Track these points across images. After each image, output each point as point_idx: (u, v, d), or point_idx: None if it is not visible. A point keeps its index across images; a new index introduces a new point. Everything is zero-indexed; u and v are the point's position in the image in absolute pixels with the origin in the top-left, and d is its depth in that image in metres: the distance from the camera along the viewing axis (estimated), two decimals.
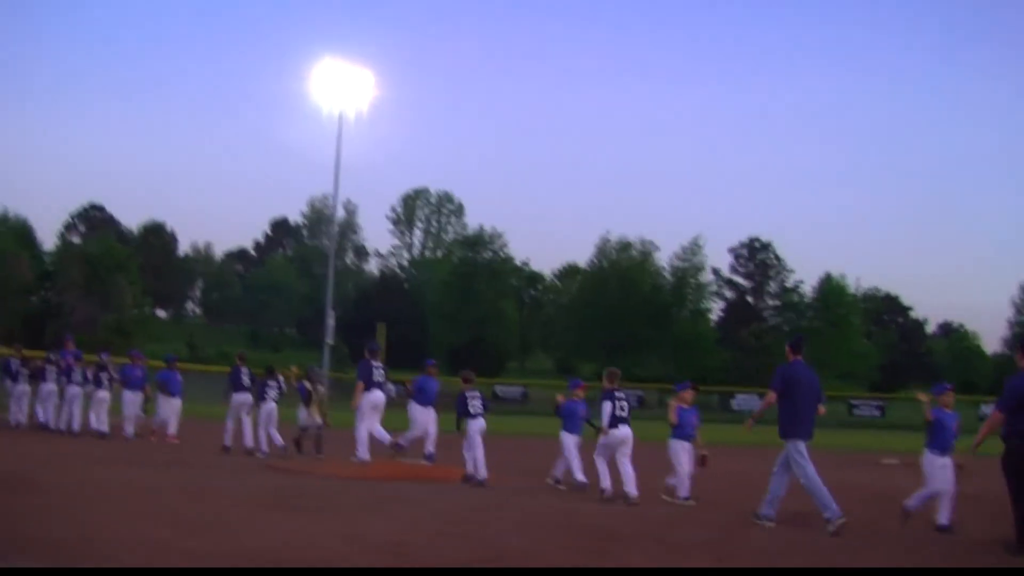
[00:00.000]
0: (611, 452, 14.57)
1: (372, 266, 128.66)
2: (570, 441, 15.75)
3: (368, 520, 11.06)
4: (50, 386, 23.46)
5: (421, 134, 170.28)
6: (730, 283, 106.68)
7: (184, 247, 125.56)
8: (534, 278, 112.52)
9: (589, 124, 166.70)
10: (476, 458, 16.16)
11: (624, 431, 14.49)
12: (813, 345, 76.70)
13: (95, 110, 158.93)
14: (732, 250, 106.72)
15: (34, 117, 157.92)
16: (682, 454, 14.52)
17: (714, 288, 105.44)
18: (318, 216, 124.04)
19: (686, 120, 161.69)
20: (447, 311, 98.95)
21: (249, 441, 20.45)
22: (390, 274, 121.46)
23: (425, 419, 18.39)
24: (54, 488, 12.61)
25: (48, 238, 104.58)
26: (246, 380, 20.93)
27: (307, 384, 19.93)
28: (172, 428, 21.67)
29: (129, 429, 22.07)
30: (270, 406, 20.30)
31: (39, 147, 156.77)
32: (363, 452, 17.70)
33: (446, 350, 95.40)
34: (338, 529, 10.13)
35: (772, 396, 12.45)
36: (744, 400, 64.25)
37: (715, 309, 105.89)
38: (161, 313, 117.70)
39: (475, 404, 16.64)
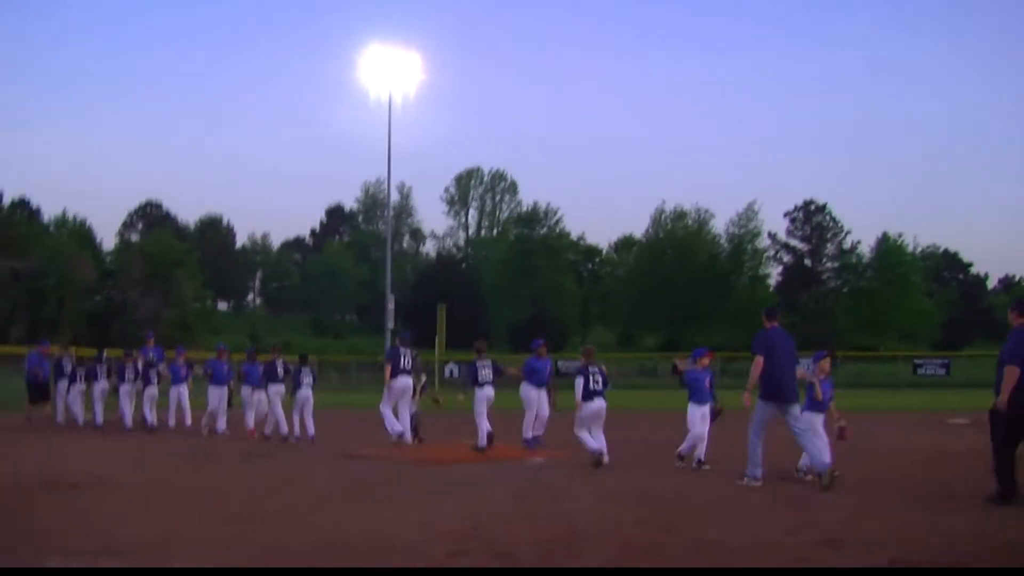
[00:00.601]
0: (589, 424, 15.30)
1: (429, 248, 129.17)
2: (696, 414, 14.97)
3: (442, 505, 11.11)
4: (103, 384, 23.80)
5: (471, 114, 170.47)
6: (787, 247, 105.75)
7: (241, 239, 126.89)
8: (591, 252, 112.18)
9: (640, 94, 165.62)
10: (481, 426, 17.29)
11: (599, 403, 15.34)
12: (873, 306, 75.61)
13: (148, 109, 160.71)
14: (788, 214, 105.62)
15: (88, 118, 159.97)
16: (818, 424, 14.01)
17: (771, 253, 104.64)
18: (373, 201, 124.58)
19: (737, 85, 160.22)
20: (506, 289, 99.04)
21: (283, 428, 20.63)
22: (447, 255, 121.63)
23: (537, 400, 18.24)
24: (130, 487, 12.79)
25: (108, 237, 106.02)
26: (280, 371, 21.20)
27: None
28: (251, 422, 21.46)
29: (222, 424, 22.10)
30: (305, 393, 20.53)
31: (94, 147, 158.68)
32: (393, 426, 17.94)
33: (506, 328, 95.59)
34: (412, 517, 10.14)
35: (759, 360, 13.10)
36: (806, 365, 63.02)
37: (773, 274, 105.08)
38: (222, 305, 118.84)
39: (484, 373, 17.73)
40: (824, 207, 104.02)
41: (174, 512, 10.62)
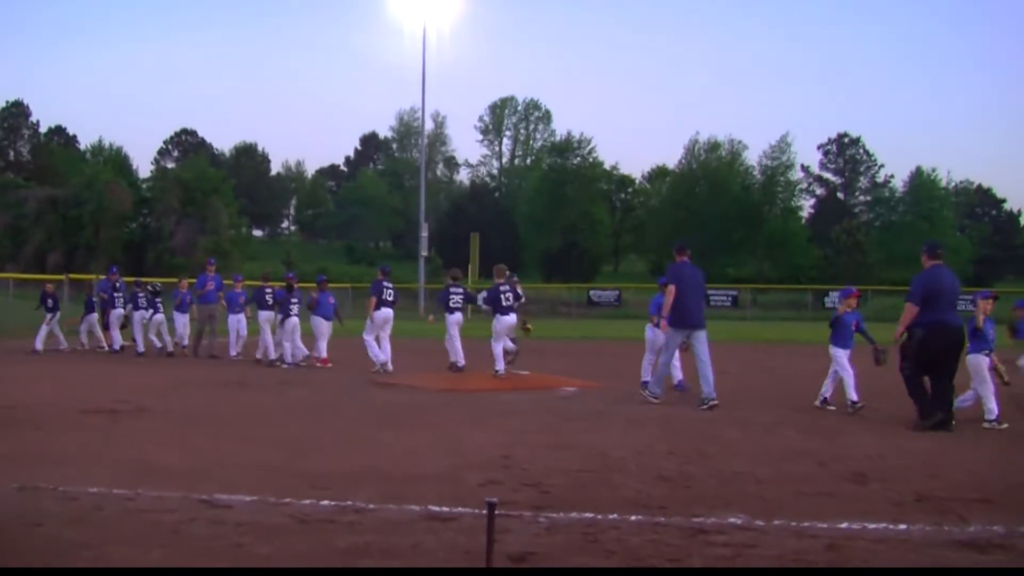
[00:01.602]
0: (504, 336, 17.69)
1: (463, 177, 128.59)
2: (842, 356, 14.10)
3: (474, 434, 11.20)
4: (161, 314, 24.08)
5: (506, 42, 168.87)
6: (820, 180, 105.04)
7: (276, 167, 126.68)
8: (624, 182, 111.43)
9: (674, 24, 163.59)
10: (455, 348, 18.93)
11: (511, 318, 17.81)
12: (905, 240, 74.91)
13: (183, 36, 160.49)
14: (821, 147, 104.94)
15: (124, 47, 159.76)
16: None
17: (804, 186, 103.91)
18: (407, 129, 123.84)
19: (771, 15, 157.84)
20: (539, 218, 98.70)
21: (271, 353, 21.44)
22: (481, 184, 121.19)
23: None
24: (169, 414, 12.94)
25: (144, 165, 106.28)
26: (268, 298, 21.80)
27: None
28: (322, 352, 21.15)
29: (233, 350, 22.54)
30: (293, 320, 21.09)
31: (130, 75, 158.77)
32: (376, 355, 19.37)
33: (539, 256, 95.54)
34: (445, 445, 10.29)
35: (672, 290, 14.53)
36: (835, 298, 61.94)
37: (805, 207, 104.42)
38: (257, 233, 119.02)
39: (455, 299, 19.24)
40: (858, 140, 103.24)
41: (213, 438, 10.79)
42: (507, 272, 18.72)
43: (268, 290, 22.05)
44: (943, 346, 12.01)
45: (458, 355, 19.10)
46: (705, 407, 13.74)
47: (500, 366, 17.93)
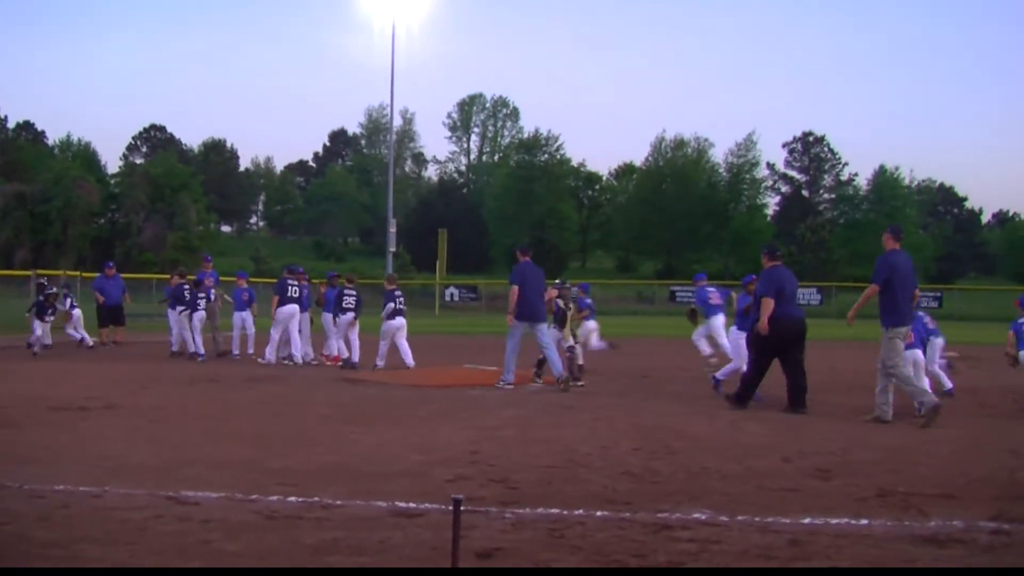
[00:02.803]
0: (391, 336, 19.43)
1: (431, 173, 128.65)
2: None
3: (443, 430, 11.19)
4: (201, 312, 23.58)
5: (475, 40, 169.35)
6: (785, 177, 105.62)
7: (245, 162, 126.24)
8: (591, 179, 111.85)
9: (642, 22, 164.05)
10: (339, 345, 20.60)
11: (400, 321, 19.57)
12: (868, 238, 75.54)
13: (151, 31, 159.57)
14: (786, 144, 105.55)
15: (93, 41, 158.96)
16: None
17: (769, 183, 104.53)
18: (375, 126, 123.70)
19: (738, 14, 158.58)
20: (506, 214, 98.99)
21: (190, 348, 22.27)
22: (449, 180, 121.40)
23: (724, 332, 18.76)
24: (139, 410, 12.85)
25: (112, 161, 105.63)
26: (186, 294, 22.69)
27: (561, 303, 17.66)
28: (334, 348, 21.20)
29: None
30: (200, 314, 22.14)
31: (99, 70, 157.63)
32: (270, 354, 20.78)
33: (507, 252, 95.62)
34: (414, 440, 10.28)
35: (515, 289, 16.32)
36: (804, 294, 61.57)
37: (771, 204, 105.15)
38: (226, 228, 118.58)
39: (348, 301, 20.31)
40: (822, 138, 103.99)
41: (181, 435, 10.70)
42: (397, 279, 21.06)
43: (185, 286, 22.93)
44: (789, 336, 13.32)
45: (339, 351, 20.69)
46: (561, 386, 15.58)
47: (381, 363, 19.35)
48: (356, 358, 20.11)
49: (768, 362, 13.52)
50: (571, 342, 17.39)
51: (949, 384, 15.49)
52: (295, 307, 20.70)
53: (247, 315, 22.43)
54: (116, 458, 9.03)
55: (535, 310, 16.39)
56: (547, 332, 16.44)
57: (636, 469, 8.78)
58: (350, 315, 20.30)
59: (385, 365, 19.32)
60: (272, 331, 20.91)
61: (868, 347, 16.63)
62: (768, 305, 13.27)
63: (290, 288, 20.77)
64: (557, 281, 18.39)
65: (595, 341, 20.07)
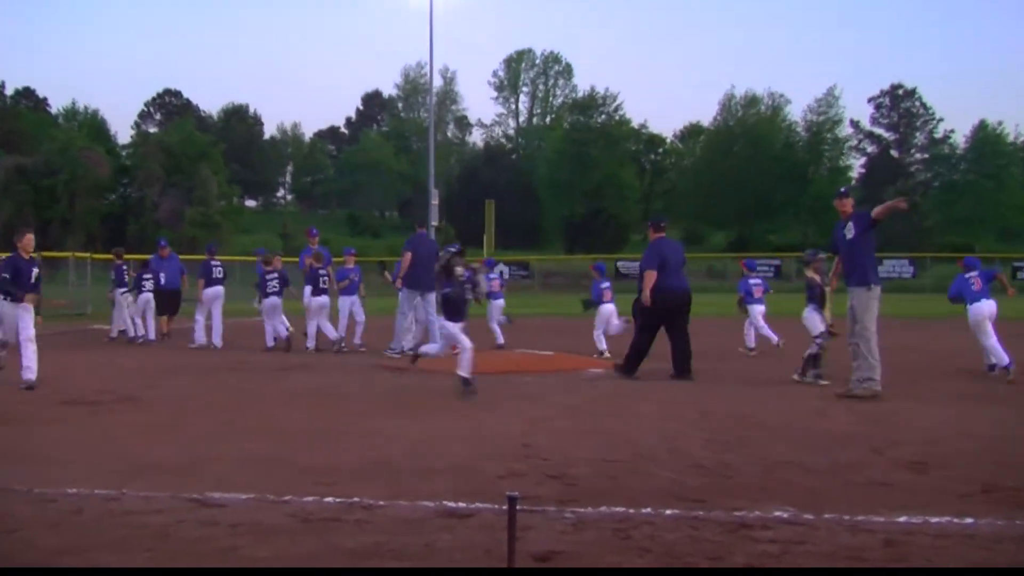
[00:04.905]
0: (316, 315, 20.87)
1: (476, 138, 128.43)
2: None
3: (492, 421, 11.21)
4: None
5: None
6: (871, 136, 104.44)
7: (270, 129, 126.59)
8: (654, 141, 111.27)
9: None
10: (270, 329, 21.44)
11: (323, 299, 20.91)
12: (968, 201, 74.35)
13: None
14: (873, 99, 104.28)
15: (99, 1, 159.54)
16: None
17: (853, 143, 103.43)
18: (413, 87, 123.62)
19: None
20: (560, 182, 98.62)
21: (131, 332, 23.46)
22: (496, 146, 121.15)
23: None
24: (156, 403, 12.94)
25: (123, 130, 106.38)
26: (125, 276, 23.86)
27: (817, 277, 15.99)
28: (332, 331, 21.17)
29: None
30: (146, 296, 23.26)
31: (106, 31, 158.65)
32: (199, 337, 22.32)
33: (561, 225, 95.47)
34: (460, 433, 10.32)
35: (407, 256, 19.16)
36: (893, 266, 60.61)
37: (855, 166, 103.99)
38: (250, 203, 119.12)
39: (272, 284, 21.34)
40: (913, 92, 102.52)
41: (205, 430, 10.79)
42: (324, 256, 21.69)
43: (124, 267, 24.04)
44: (673, 306, 15.33)
45: (269, 336, 21.50)
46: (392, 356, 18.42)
47: (333, 335, 20.89)
48: (332, 335, 21.03)
49: (654, 331, 15.52)
50: (823, 327, 15.16)
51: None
52: (220, 288, 22.57)
53: (356, 300, 21.69)
54: (133, 457, 9.10)
55: (423, 281, 18.74)
56: (434, 304, 18.38)
57: (707, 462, 8.73)
58: (324, 298, 21.15)
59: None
60: (197, 313, 22.65)
61: (961, 324, 16.42)
62: (651, 277, 15.23)
63: (215, 270, 22.66)
64: (808, 251, 17.16)
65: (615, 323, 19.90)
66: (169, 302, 24.38)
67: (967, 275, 16.11)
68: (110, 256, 25.78)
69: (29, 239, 14.75)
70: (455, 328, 13.74)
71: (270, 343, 21.28)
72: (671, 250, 15.86)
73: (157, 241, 27.23)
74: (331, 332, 20.87)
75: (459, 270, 14.03)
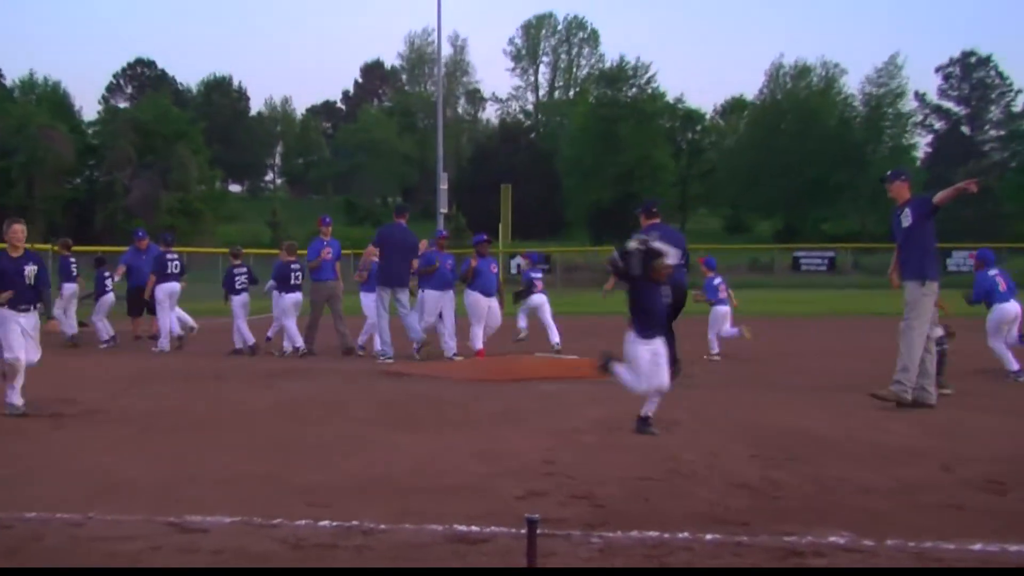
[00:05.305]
0: (291, 313, 21.05)
1: (490, 114, 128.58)
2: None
3: (509, 434, 11.22)
4: None
5: None
6: (940, 111, 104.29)
7: (257, 105, 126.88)
8: (691, 118, 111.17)
9: None
10: (241, 328, 21.71)
11: (296, 296, 21.11)
12: None
13: None
14: (941, 68, 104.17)
15: None
16: None
17: (919, 118, 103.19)
18: (419, 56, 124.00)
19: None
20: (585, 164, 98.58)
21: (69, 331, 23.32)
22: (512, 123, 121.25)
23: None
24: (126, 416, 12.92)
25: (89, 105, 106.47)
26: (74, 270, 23.82)
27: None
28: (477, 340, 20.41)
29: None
30: (110, 298, 24.13)
31: None
32: (164, 342, 22.47)
33: (585, 212, 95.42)
34: (474, 448, 10.32)
35: (372, 249, 19.78)
36: (964, 258, 59.58)
37: (921, 145, 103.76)
38: (235, 188, 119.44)
39: (241, 280, 21.92)
40: (987, 59, 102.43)
41: (183, 445, 10.79)
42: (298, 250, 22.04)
43: (72, 261, 23.85)
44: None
45: (237, 338, 21.81)
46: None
47: (299, 344, 20.96)
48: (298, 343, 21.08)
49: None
50: (940, 331, 14.20)
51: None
52: (176, 285, 22.64)
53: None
54: (100, 475, 9.12)
55: (396, 277, 19.51)
56: (406, 301, 19.71)
57: (753, 480, 8.73)
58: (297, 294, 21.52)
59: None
60: (159, 315, 22.66)
61: None
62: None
63: (170, 263, 22.70)
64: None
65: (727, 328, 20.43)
66: (138, 300, 24.38)
67: (989, 272, 16.16)
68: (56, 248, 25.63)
69: (15, 231, 13.39)
70: (651, 351, 11.16)
71: (238, 345, 21.59)
72: (666, 238, 14.44)
73: (134, 232, 26.68)
74: (296, 337, 20.95)
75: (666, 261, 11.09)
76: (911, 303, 13.16)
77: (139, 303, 24.34)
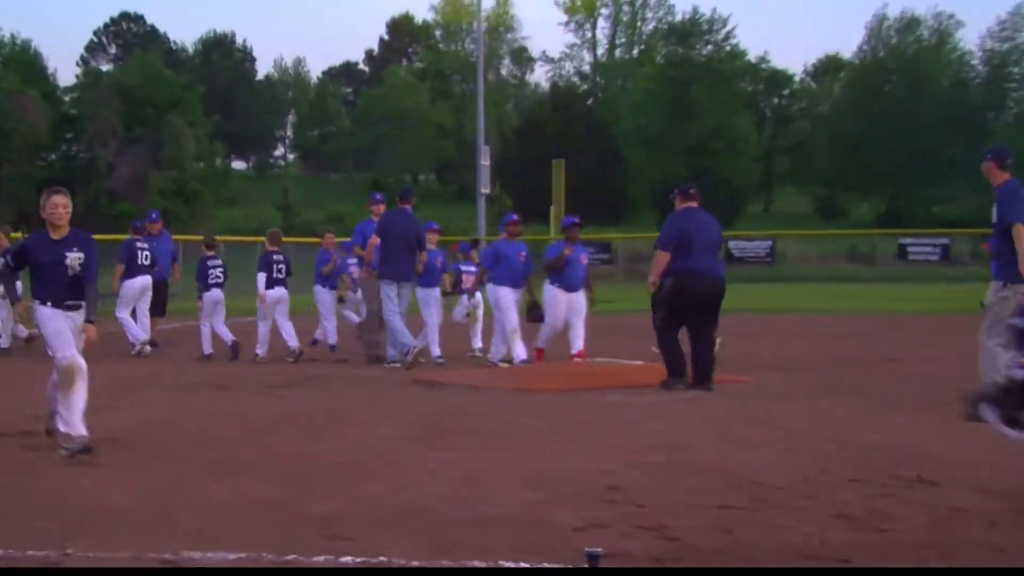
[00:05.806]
0: (272, 311, 21.51)
1: (539, 77, 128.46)
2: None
3: (563, 453, 11.17)
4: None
5: None
6: None
7: (265, 67, 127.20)
8: (777, 80, 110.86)
9: None
10: (207, 332, 22.32)
11: (280, 292, 21.59)
12: None
13: None
14: None
15: None
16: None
17: None
18: (455, 9, 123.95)
19: None
20: (651, 135, 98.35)
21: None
22: (566, 87, 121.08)
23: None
24: (112, 435, 12.86)
25: (66, 68, 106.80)
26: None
27: None
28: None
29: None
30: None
31: None
32: (135, 334, 22.62)
33: (651, 191, 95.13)
34: (521, 469, 10.28)
35: (375, 240, 20.03)
36: None
37: None
38: (239, 164, 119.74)
39: (215, 273, 22.36)
40: None
41: (180, 467, 10.77)
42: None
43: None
44: (698, 298, 15.58)
45: (224, 337, 22.33)
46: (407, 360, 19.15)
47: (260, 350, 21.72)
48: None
49: (676, 328, 15.84)
50: None
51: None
52: (147, 279, 23.07)
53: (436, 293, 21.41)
54: (82, 505, 9.10)
55: (401, 269, 19.84)
56: (408, 295, 20.29)
57: (855, 510, 8.65)
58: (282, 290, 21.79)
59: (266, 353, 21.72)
60: (117, 312, 22.90)
61: None
62: (661, 260, 15.64)
63: (140, 253, 22.98)
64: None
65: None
66: (156, 297, 24.03)
67: None
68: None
69: (55, 205, 11.70)
70: None
71: (207, 351, 21.98)
72: (698, 225, 15.86)
73: (147, 214, 26.31)
74: (291, 337, 21.37)
75: None
76: (990, 305, 13.29)
77: (161, 300, 24.49)
